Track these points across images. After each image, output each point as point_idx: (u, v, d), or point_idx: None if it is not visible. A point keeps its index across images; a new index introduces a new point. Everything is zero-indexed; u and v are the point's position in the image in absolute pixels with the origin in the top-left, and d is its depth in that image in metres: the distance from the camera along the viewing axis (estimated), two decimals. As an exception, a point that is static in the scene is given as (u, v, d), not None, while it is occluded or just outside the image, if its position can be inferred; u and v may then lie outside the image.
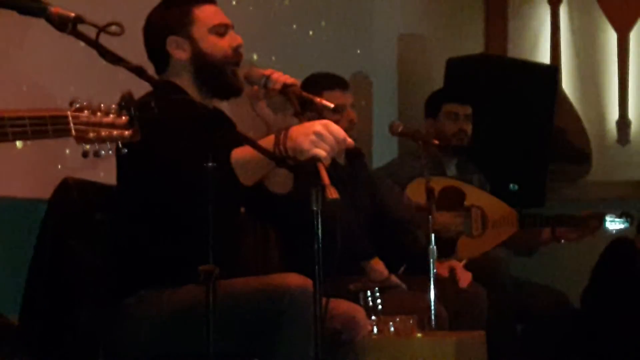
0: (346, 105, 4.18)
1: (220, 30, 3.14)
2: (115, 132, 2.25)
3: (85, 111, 2.23)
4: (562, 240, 5.10)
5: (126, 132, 2.26)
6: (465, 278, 4.24)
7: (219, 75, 3.12)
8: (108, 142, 2.24)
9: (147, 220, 3.06)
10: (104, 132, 2.24)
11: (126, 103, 2.27)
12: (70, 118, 2.21)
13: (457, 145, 4.90)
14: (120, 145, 2.25)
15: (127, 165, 3.01)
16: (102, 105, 2.25)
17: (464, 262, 4.31)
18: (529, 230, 5.06)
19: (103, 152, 2.24)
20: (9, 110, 2.20)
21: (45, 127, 2.19)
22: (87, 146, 2.22)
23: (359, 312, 3.15)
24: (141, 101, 2.35)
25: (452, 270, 4.25)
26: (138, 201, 3.06)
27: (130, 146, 2.28)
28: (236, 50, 3.13)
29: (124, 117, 2.26)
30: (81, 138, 2.22)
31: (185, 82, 3.13)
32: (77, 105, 2.23)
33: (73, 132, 2.20)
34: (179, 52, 3.14)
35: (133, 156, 2.35)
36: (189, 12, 3.14)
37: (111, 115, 2.25)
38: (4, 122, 2.16)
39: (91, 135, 2.22)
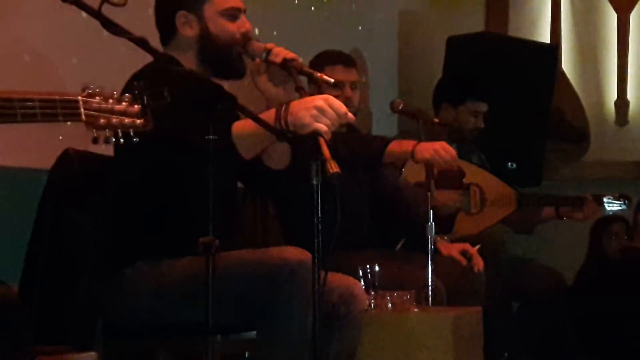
0: (345, 82, 4.18)
1: (232, 13, 3.12)
2: (126, 120, 2.24)
3: (97, 97, 2.22)
4: (565, 218, 5.12)
5: (138, 121, 2.25)
6: (480, 262, 4.26)
7: (223, 56, 3.11)
8: (119, 130, 2.23)
9: (146, 192, 3.06)
10: (115, 120, 2.23)
11: (139, 92, 2.26)
12: (81, 103, 2.20)
13: (470, 140, 4.96)
14: (132, 133, 2.24)
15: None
16: (114, 92, 2.25)
17: (477, 247, 4.32)
18: (529, 208, 5.08)
19: (114, 139, 2.23)
20: (18, 91, 2.19)
21: (55, 110, 2.17)
22: (97, 132, 2.22)
23: (357, 286, 3.16)
24: (143, 73, 2.34)
25: (464, 253, 4.26)
26: (137, 172, 3.06)
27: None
28: (244, 36, 3.11)
29: (136, 106, 2.26)
30: (91, 124, 2.21)
31: (188, 58, 3.12)
32: (89, 91, 2.22)
33: (83, 117, 2.20)
34: (187, 28, 3.13)
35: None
36: None
37: (124, 103, 2.24)
38: (14, 103, 2.15)
39: (102, 121, 2.21)
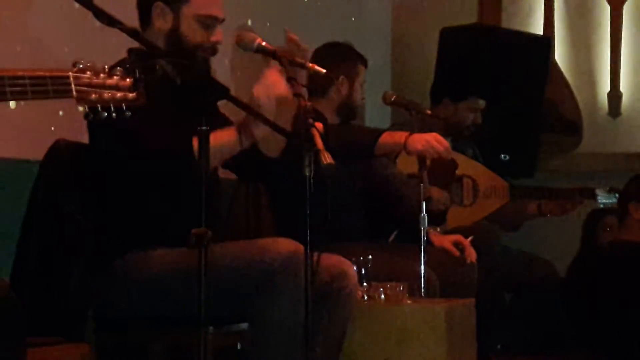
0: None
1: (207, 22, 3.12)
2: (118, 94, 2.22)
3: (88, 72, 2.20)
4: (549, 215, 5.14)
5: (130, 95, 2.23)
6: (473, 253, 4.26)
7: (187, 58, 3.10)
8: (111, 105, 2.21)
9: (134, 183, 3.05)
10: (106, 94, 2.20)
11: (131, 65, 2.25)
12: (71, 79, 2.18)
13: (467, 136, 4.98)
14: (124, 107, 2.22)
15: (113, 127, 2.99)
16: (106, 67, 2.22)
17: (470, 238, 4.32)
18: (515, 204, 5.09)
19: (106, 114, 2.21)
20: (8, 69, 2.17)
21: (46, 87, 2.16)
22: (89, 108, 2.20)
23: (348, 265, 3.15)
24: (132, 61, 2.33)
25: (456, 244, 4.26)
26: (124, 162, 3.04)
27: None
28: (213, 46, 3.12)
29: (128, 80, 2.24)
30: (82, 99, 2.18)
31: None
32: (80, 66, 2.21)
33: (74, 93, 2.18)
34: (160, 20, 3.12)
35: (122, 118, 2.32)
36: None
37: (115, 77, 2.22)
38: (3, 81, 2.13)
39: (93, 96, 2.19)
